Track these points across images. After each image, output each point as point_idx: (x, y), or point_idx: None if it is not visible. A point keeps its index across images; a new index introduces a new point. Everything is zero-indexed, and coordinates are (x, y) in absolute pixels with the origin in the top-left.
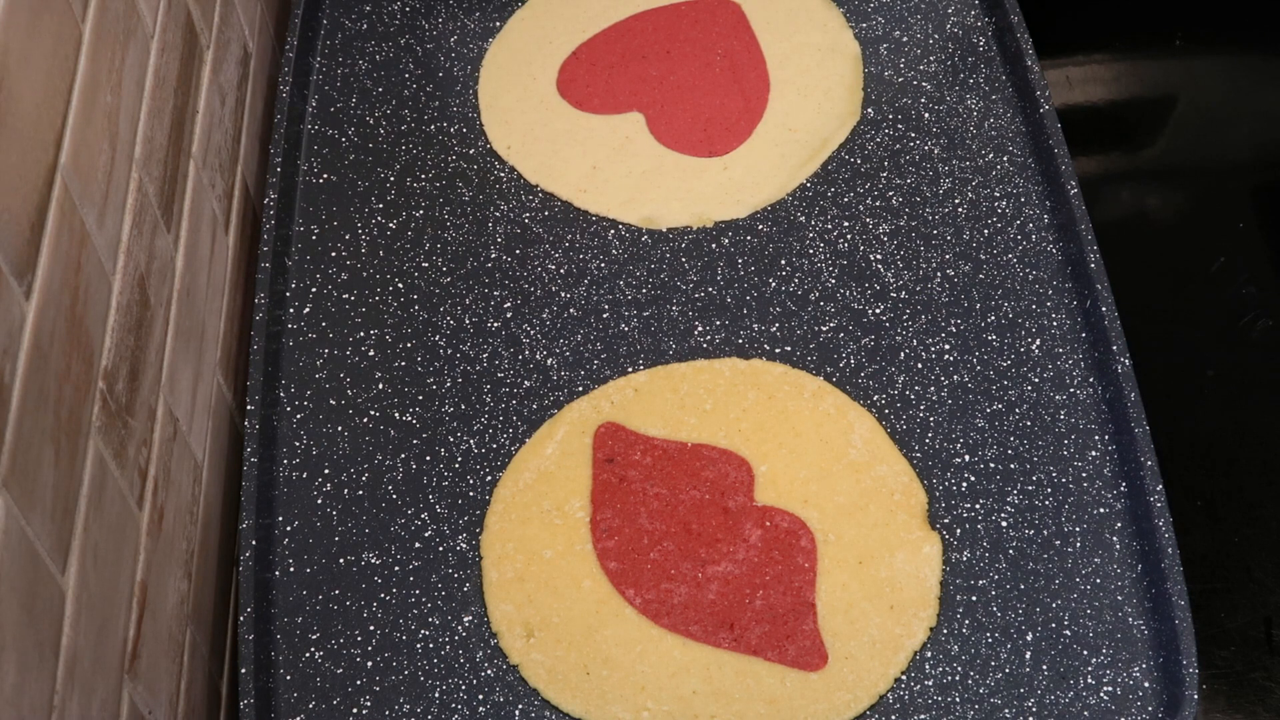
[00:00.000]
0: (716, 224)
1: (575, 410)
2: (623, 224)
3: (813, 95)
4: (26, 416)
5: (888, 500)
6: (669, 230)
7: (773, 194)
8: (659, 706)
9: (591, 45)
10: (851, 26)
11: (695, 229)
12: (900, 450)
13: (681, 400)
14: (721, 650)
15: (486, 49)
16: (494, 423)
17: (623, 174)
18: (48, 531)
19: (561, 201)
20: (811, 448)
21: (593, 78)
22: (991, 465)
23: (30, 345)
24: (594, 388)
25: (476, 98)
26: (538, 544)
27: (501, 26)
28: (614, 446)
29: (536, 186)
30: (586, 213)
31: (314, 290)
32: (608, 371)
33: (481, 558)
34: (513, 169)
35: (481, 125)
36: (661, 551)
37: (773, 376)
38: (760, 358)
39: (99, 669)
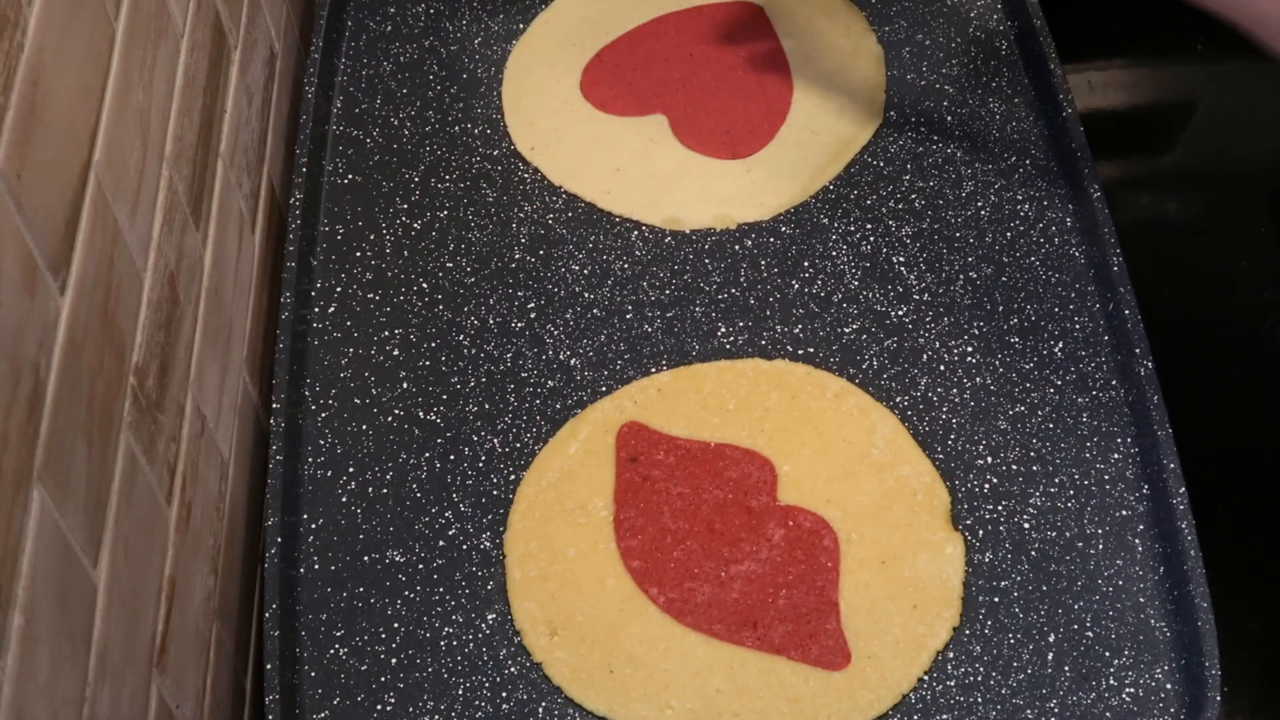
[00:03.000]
0: (740, 225)
1: (599, 410)
2: (646, 225)
3: (835, 97)
4: (60, 411)
5: (910, 500)
6: (692, 232)
7: (795, 196)
8: (682, 705)
9: (614, 48)
10: (874, 30)
11: (719, 230)
12: (923, 451)
13: (705, 400)
14: (745, 649)
15: (510, 51)
16: (518, 422)
17: (646, 175)
18: (80, 525)
19: (585, 203)
20: (834, 448)
21: (616, 80)
22: (1014, 467)
23: (65, 340)
24: (617, 388)
25: (500, 99)
26: (561, 542)
27: (525, 29)
28: (637, 446)
29: (560, 188)
30: (610, 214)
31: (339, 290)
32: (631, 372)
33: (505, 556)
34: (536, 170)
35: (505, 126)
36: (685, 550)
37: (796, 377)
38: (783, 359)
39: (129, 662)
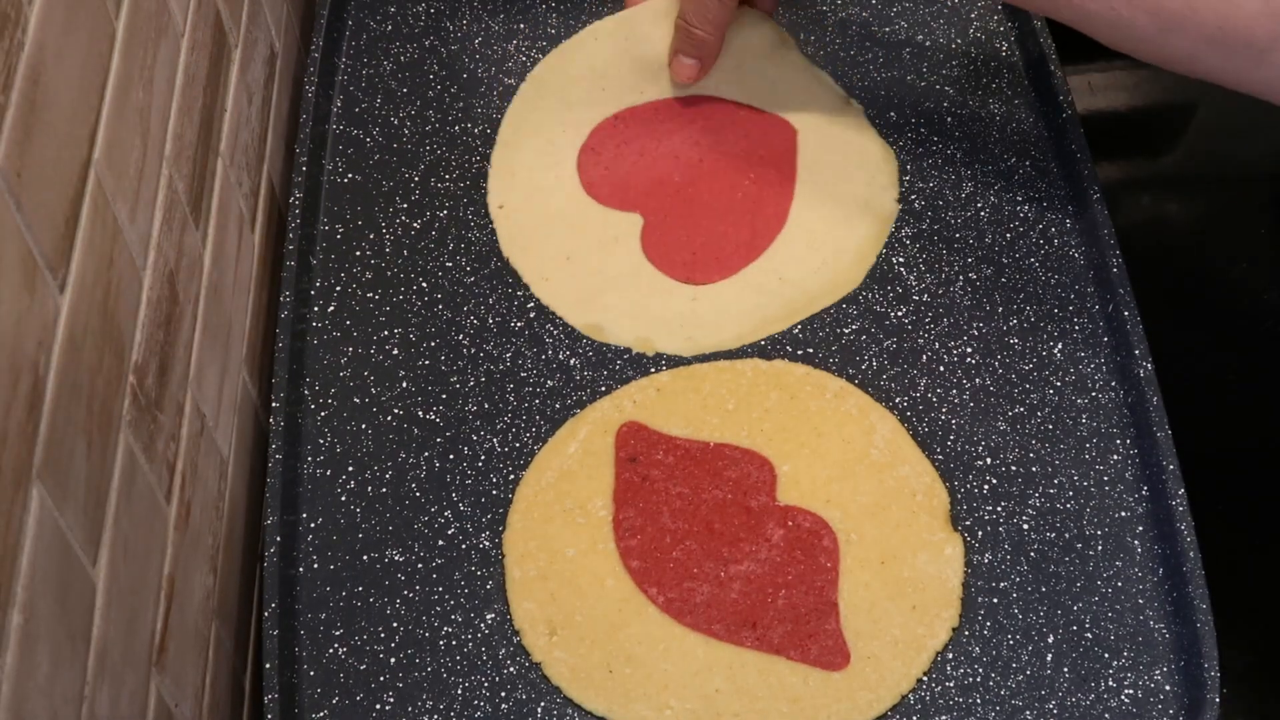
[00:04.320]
0: (656, 354)
1: (598, 410)
2: (565, 324)
3: (821, 250)
4: (60, 409)
5: (910, 501)
6: (605, 346)
7: (726, 341)
8: (682, 705)
9: (636, 114)
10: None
11: (634, 352)
12: (922, 452)
13: (704, 400)
14: (744, 649)
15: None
16: (517, 422)
17: (590, 273)
18: (80, 524)
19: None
20: (834, 448)
21: (616, 162)
22: (1013, 468)
23: (64, 338)
24: (616, 387)
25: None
26: (560, 542)
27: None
28: (636, 446)
29: (507, 259)
30: (539, 301)
31: (338, 289)
32: (630, 371)
33: (504, 556)
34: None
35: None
36: (684, 550)
37: (795, 377)
38: (783, 359)
39: (128, 661)
